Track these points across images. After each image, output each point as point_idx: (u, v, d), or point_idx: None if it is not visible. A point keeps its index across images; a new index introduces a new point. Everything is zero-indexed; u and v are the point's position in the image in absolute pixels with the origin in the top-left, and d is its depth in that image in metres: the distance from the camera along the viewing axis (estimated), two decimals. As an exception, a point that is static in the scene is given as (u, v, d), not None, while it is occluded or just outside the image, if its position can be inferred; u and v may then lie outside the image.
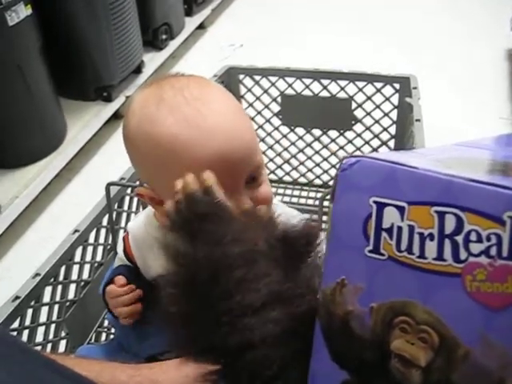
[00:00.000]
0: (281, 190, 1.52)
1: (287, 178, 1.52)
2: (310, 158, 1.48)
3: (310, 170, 1.50)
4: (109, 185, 0.93)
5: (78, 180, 1.90)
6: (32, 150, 1.82)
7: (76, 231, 0.92)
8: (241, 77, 1.38)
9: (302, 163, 1.49)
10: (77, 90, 2.10)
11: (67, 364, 0.52)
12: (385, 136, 1.39)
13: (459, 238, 0.29)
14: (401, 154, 0.35)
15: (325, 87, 1.34)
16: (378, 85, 1.32)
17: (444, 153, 0.39)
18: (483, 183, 0.28)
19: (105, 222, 1.00)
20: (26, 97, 1.73)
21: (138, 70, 2.24)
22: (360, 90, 1.33)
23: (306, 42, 2.60)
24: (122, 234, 1.01)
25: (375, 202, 0.32)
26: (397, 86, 1.30)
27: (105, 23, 1.98)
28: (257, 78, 1.38)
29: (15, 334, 0.81)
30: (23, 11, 1.66)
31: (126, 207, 1.05)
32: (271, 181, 1.52)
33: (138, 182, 0.99)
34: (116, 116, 2.13)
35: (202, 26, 2.83)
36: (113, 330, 1.01)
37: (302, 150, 1.47)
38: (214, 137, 0.62)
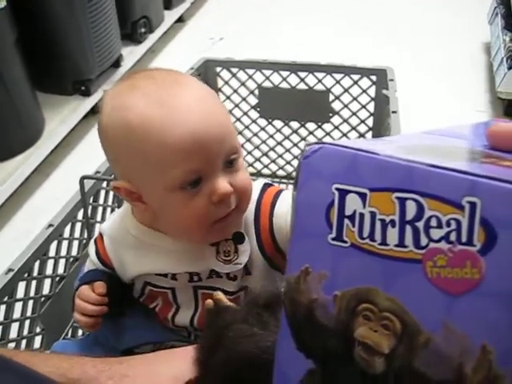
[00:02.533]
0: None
1: (266, 171, 1.52)
2: (288, 150, 1.47)
3: (288, 163, 1.50)
4: (83, 178, 0.92)
5: (56, 175, 1.89)
6: (9, 145, 1.79)
7: (50, 225, 0.91)
8: (218, 69, 1.38)
9: (280, 156, 1.49)
10: (54, 84, 2.07)
11: (36, 360, 0.52)
12: (362, 128, 1.39)
13: (420, 224, 0.29)
14: (366, 142, 0.35)
15: (302, 79, 1.33)
16: (355, 77, 1.32)
17: (412, 140, 0.38)
18: (442, 168, 0.28)
19: (80, 216, 0.99)
20: (2, 91, 1.71)
21: (116, 64, 2.22)
22: (337, 82, 1.33)
23: (287, 35, 2.59)
24: (97, 228, 1.00)
25: (337, 189, 0.31)
26: (373, 78, 1.30)
27: (82, 16, 1.95)
28: (234, 70, 1.37)
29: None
30: (-3, 4, 1.64)
31: (101, 201, 1.04)
32: (250, 173, 1.51)
33: (113, 176, 0.98)
34: (94, 110, 2.11)
35: (181, 20, 2.81)
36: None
37: (280, 143, 1.47)
38: (188, 116, 0.61)
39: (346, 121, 1.39)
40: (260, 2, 3.02)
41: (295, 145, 1.46)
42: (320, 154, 0.32)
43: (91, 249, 0.79)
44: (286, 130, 1.44)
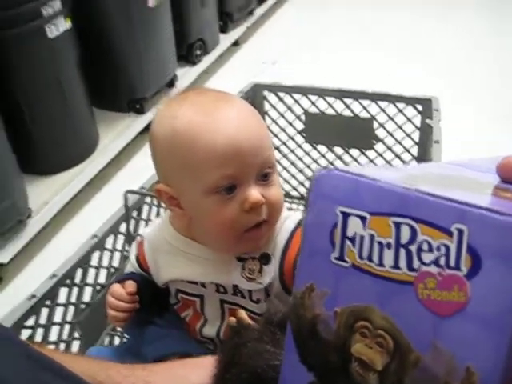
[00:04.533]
0: (302, 207, 1.54)
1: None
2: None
3: (331, 188, 1.50)
4: (127, 192, 0.96)
5: (107, 189, 1.94)
6: (64, 158, 1.88)
7: (94, 236, 0.95)
8: (265, 93, 1.41)
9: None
10: (111, 102, 2.16)
11: (67, 361, 0.55)
12: (406, 156, 1.39)
13: (413, 248, 0.30)
14: (374, 169, 0.37)
15: (347, 106, 1.35)
16: (401, 105, 1.33)
17: (427, 169, 0.40)
18: (435, 197, 0.30)
19: (123, 228, 1.03)
20: (61, 106, 1.79)
21: (170, 84, 2.29)
22: (382, 110, 1.34)
23: (338, 61, 2.62)
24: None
25: (341, 211, 0.34)
26: (419, 107, 1.31)
27: (141, 38, 2.04)
28: (281, 95, 1.40)
29: (30, 331, 0.85)
30: (63, 24, 1.72)
31: (144, 215, 1.08)
32: (293, 197, 1.53)
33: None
34: (148, 128, 2.16)
35: (236, 43, 2.88)
36: (125, 335, 1.04)
37: (324, 168, 1.48)
38: (228, 125, 0.67)
39: (389, 149, 1.39)
40: (313, 28, 3.06)
41: (339, 170, 1.47)
42: (327, 178, 0.35)
43: (132, 252, 0.85)
44: (331, 156, 1.46)
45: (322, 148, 1.46)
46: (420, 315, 0.30)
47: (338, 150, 1.44)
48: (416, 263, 0.30)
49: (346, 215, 0.33)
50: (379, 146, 1.40)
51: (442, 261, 0.29)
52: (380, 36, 2.88)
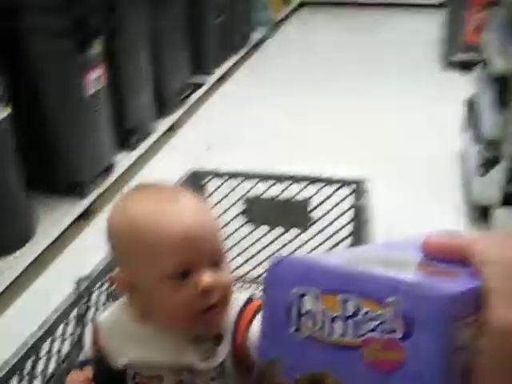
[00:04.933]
0: (247, 286, 1.58)
1: (252, 274, 1.58)
2: (272, 254, 1.54)
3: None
4: (79, 280, 0.99)
5: (47, 274, 1.93)
6: (1, 245, 1.86)
7: (44, 324, 0.96)
8: (205, 180, 1.48)
9: (266, 259, 1.55)
10: (50, 186, 2.18)
11: None
12: (343, 233, 1.48)
13: (358, 319, 0.37)
14: (321, 255, 0.44)
15: (284, 190, 1.44)
16: (335, 186, 1.42)
17: (361, 253, 0.48)
18: (373, 275, 0.37)
19: (73, 315, 1.04)
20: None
21: (109, 169, 2.34)
22: (317, 192, 1.43)
23: (271, 144, 2.76)
24: (89, 326, 1.05)
25: (296, 292, 0.40)
26: (354, 186, 1.41)
27: (79, 124, 2.10)
28: (221, 180, 1.48)
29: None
30: (2, 111, 1.75)
31: (93, 301, 1.10)
32: (236, 277, 1.58)
33: (107, 277, 1.05)
34: (87, 212, 2.19)
35: (172, 128, 2.97)
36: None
37: (265, 247, 1.54)
38: (182, 217, 0.74)
39: (325, 228, 1.47)
40: (247, 113, 3.21)
41: (279, 249, 1.53)
42: (283, 264, 0.42)
43: (88, 338, 0.88)
44: (273, 235, 1.53)
45: (265, 228, 1.53)
46: (367, 374, 0.36)
47: (281, 228, 1.51)
48: (361, 330, 0.37)
49: (300, 295, 0.40)
50: (319, 224, 1.48)
51: (382, 327, 0.36)
52: (319, 117, 3.10)
